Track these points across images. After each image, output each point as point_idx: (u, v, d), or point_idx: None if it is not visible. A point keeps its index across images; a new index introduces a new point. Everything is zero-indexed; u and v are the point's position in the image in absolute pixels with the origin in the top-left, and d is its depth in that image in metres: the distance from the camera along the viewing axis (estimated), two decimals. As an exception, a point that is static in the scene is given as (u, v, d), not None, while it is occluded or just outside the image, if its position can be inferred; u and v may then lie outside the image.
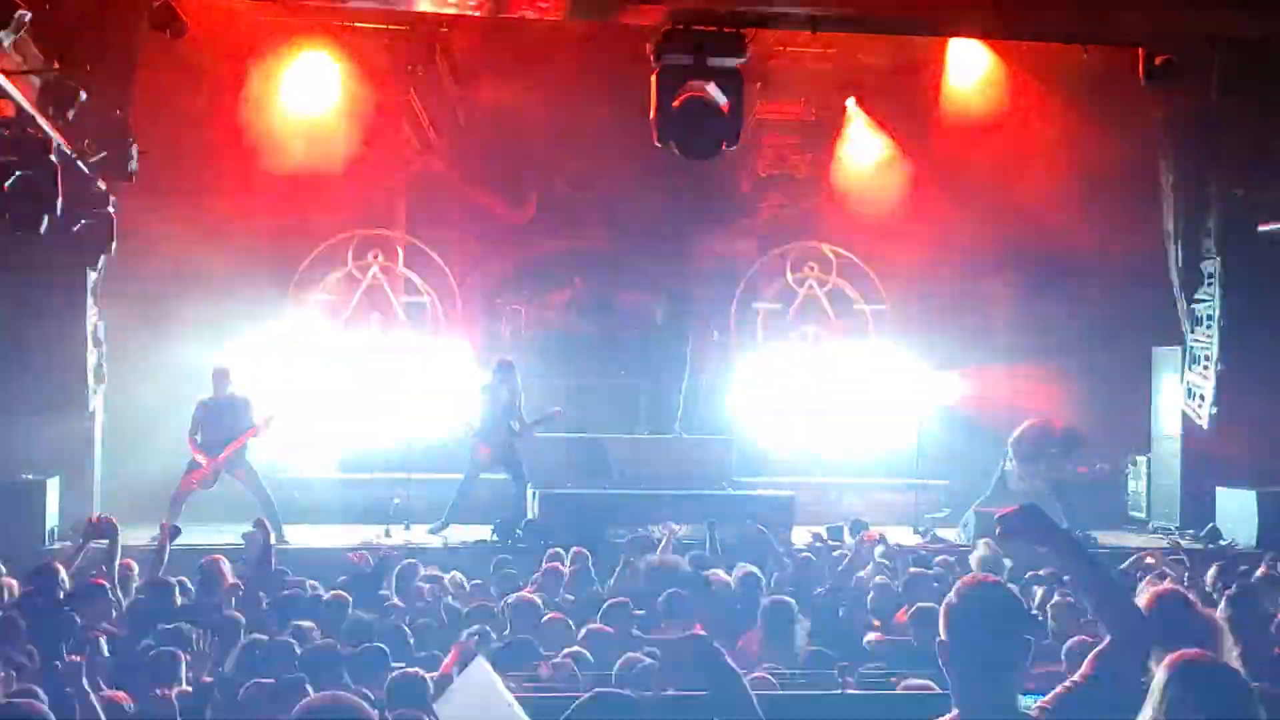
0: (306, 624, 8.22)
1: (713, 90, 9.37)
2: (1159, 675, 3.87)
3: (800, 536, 14.87)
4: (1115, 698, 4.07)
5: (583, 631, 8.36)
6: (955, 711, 3.95)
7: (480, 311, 19.96)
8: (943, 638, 4.03)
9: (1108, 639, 4.15)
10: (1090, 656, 4.14)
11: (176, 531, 11.35)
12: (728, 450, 17.50)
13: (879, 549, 12.15)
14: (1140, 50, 10.22)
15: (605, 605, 8.95)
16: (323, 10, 16.65)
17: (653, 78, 9.55)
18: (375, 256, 19.33)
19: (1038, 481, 15.88)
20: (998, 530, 4.31)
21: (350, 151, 18.77)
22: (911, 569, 10.93)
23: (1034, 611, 8.88)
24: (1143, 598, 5.59)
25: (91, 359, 15.26)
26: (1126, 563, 11.90)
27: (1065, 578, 8.18)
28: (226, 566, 10.41)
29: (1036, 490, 15.70)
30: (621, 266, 20.11)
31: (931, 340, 19.28)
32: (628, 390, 17.61)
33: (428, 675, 6.80)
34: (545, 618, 8.49)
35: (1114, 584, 4.33)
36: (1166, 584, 7.75)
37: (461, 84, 19.78)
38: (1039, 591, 9.54)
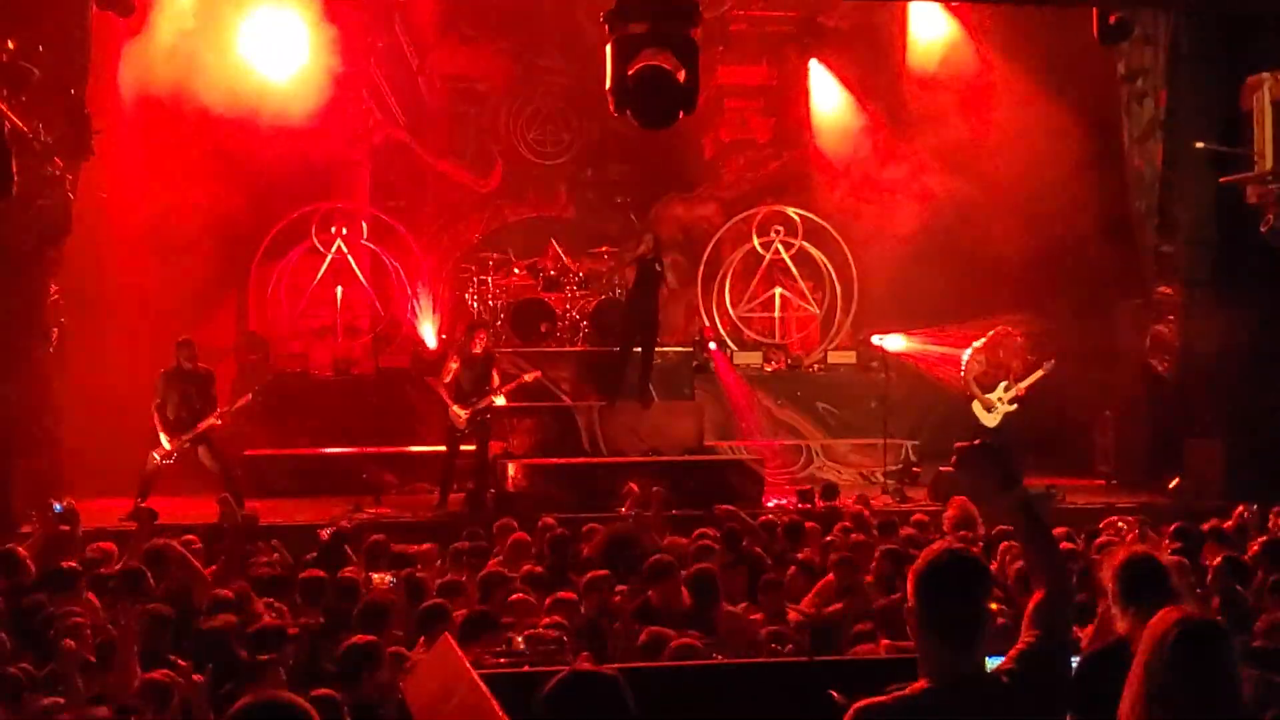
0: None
1: (668, 59, 9.33)
2: (1152, 633, 3.90)
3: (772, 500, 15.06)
4: (1060, 653, 4.13)
5: (549, 602, 8.36)
6: (923, 681, 3.95)
7: (446, 281, 19.95)
8: (911, 604, 4.05)
9: (1039, 594, 4.21)
10: (1026, 616, 4.18)
11: (154, 515, 11.32)
12: (698, 415, 17.50)
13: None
14: (1094, 10, 10.25)
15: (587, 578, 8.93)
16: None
17: (608, 47, 9.48)
18: (339, 230, 19.26)
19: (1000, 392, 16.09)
20: (960, 456, 4.32)
21: (311, 125, 18.67)
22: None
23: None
24: (1115, 558, 5.63)
25: (54, 338, 15.16)
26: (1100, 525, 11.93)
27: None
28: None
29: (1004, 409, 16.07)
30: (587, 234, 20.11)
31: (895, 297, 19.41)
32: (597, 358, 17.57)
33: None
34: (512, 596, 8.48)
35: (1052, 540, 4.39)
36: (1139, 545, 7.80)
37: (422, 53, 19.71)
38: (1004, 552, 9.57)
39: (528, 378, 15.83)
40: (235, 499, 12.48)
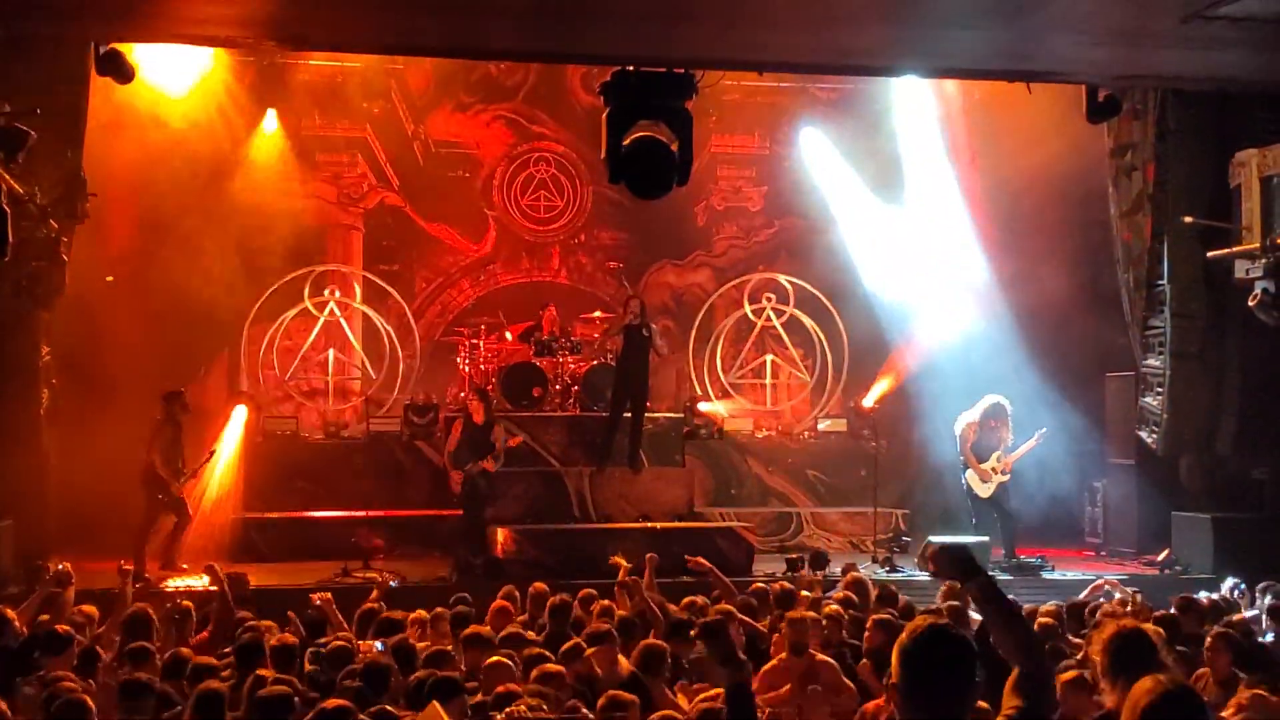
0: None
1: (662, 131, 9.44)
2: (1132, 701, 3.97)
3: (761, 568, 15.06)
4: None
5: (535, 673, 8.29)
6: None
7: (438, 344, 19.99)
8: (895, 680, 4.05)
9: (1015, 671, 4.24)
10: (1007, 690, 4.21)
11: (136, 575, 11.29)
12: (688, 481, 17.52)
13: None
14: (1084, 87, 10.37)
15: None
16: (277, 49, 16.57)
17: (603, 118, 9.60)
18: (332, 292, 19.30)
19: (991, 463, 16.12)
20: (930, 559, 4.42)
21: (306, 188, 18.82)
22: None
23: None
24: (1104, 631, 5.64)
25: (45, 400, 15.16)
26: (1085, 593, 11.96)
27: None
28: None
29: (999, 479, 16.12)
30: (579, 299, 20.19)
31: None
32: (587, 422, 17.58)
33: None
34: (489, 660, 8.41)
35: (1018, 617, 4.45)
36: (1129, 620, 7.80)
37: (417, 118, 19.89)
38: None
39: (512, 443, 15.93)
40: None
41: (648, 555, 12.03)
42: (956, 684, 3.96)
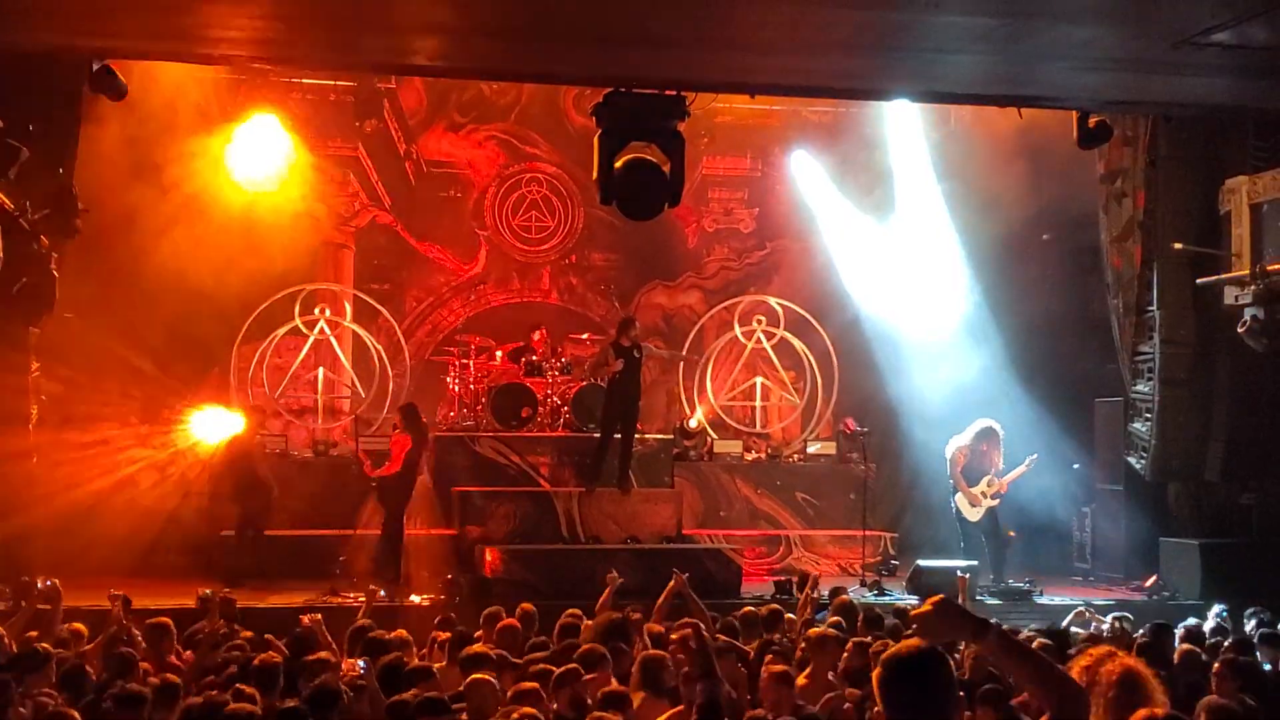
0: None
1: (654, 153, 9.47)
2: None
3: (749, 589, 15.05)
4: None
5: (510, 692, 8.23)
6: None
7: (428, 364, 19.97)
8: (879, 707, 4.04)
9: (1046, 716, 4.16)
10: None
11: (128, 601, 11.21)
12: (676, 503, 17.49)
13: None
14: (1074, 113, 10.41)
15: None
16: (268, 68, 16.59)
17: (595, 140, 9.63)
18: (322, 311, 19.26)
19: (982, 488, 16.14)
20: (914, 629, 4.30)
21: (297, 206, 18.80)
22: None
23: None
24: (1086, 660, 5.61)
25: (34, 416, 15.10)
26: (1067, 619, 11.96)
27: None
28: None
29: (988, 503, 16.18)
30: (570, 320, 20.21)
31: (873, 393, 19.58)
32: (576, 443, 17.57)
33: None
34: (470, 679, 8.36)
35: (1044, 659, 4.36)
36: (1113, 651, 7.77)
37: (410, 138, 19.92)
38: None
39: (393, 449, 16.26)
40: None
41: (608, 574, 12.00)
42: (940, 703, 3.97)
